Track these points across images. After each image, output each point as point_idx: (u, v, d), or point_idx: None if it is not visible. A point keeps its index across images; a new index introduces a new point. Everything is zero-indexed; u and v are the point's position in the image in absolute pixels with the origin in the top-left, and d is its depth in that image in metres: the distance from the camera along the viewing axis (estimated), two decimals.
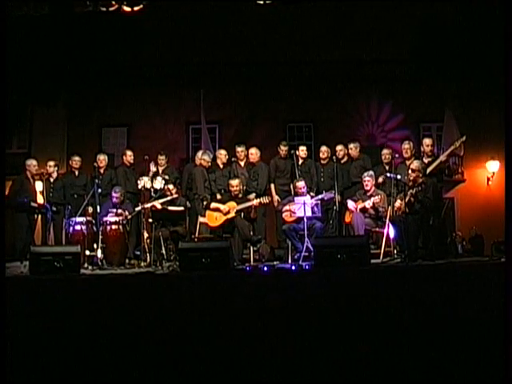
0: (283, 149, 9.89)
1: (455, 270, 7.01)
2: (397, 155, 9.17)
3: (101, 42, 11.86)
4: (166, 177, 9.61)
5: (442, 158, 8.57)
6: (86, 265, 8.33)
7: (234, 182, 8.90)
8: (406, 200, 7.66)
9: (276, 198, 9.62)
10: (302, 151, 9.81)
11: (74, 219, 8.91)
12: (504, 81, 4.60)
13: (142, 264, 8.60)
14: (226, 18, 11.94)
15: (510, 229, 4.51)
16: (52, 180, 9.90)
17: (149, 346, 5.42)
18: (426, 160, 8.59)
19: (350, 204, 8.68)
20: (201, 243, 8.25)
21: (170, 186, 9.12)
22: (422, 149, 8.99)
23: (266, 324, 5.53)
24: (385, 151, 9.62)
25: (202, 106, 13.18)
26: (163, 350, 5.35)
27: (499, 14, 10.64)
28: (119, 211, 8.94)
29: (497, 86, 13.74)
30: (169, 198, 8.97)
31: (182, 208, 9.02)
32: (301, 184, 8.80)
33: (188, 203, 9.61)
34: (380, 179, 8.98)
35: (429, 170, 8.23)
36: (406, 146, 9.08)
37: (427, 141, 9.01)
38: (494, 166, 14.90)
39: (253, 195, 9.32)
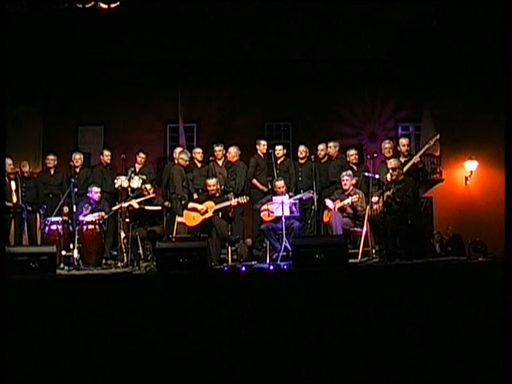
0: (262, 143, 9.92)
1: (433, 269, 7.07)
2: (375, 154, 9.24)
3: (77, 40, 11.79)
4: (144, 176, 9.60)
5: (415, 159, 8.61)
6: (61, 265, 8.28)
7: (212, 182, 8.91)
8: (384, 200, 7.71)
9: (265, 189, 9.64)
10: (280, 150, 9.84)
11: (49, 219, 8.86)
12: (504, 81, 4.69)
13: (119, 264, 8.58)
14: (205, 16, 11.93)
15: (510, 230, 4.59)
16: (25, 179, 9.81)
17: (126, 346, 5.41)
18: (402, 160, 8.64)
19: (328, 203, 8.71)
20: (178, 243, 8.25)
21: (147, 186, 9.11)
22: (398, 148, 9.05)
23: (245, 324, 5.56)
24: (351, 151, 9.60)
25: (179, 104, 13.17)
26: (140, 350, 5.35)
27: (482, 14, 10.83)
28: (95, 214, 8.90)
29: (475, 86, 14.00)
30: (146, 197, 8.96)
31: (159, 208, 9.03)
32: (280, 183, 8.82)
33: (167, 203, 9.62)
34: (353, 180, 9.03)
35: (404, 170, 8.28)
36: (387, 145, 9.13)
37: (403, 140, 9.06)
38: (471, 166, 15.08)
39: (231, 195, 9.34)
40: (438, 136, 9.07)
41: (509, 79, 4.71)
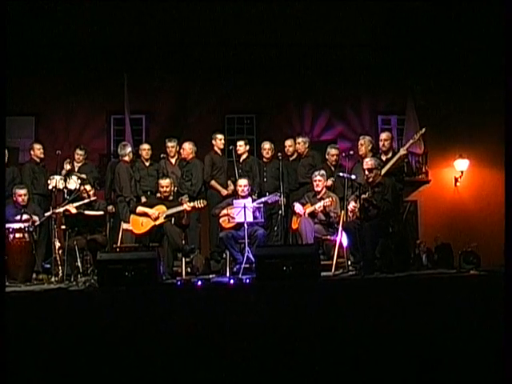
0: (219, 138, 9.94)
1: (418, 284, 7.15)
2: (351, 152, 9.32)
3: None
4: (83, 176, 9.54)
5: (402, 152, 8.58)
6: None
7: (165, 182, 8.89)
8: (359, 205, 7.75)
9: (225, 191, 9.67)
10: (241, 146, 9.87)
11: None
12: (504, 80, 4.86)
13: (53, 279, 8.49)
14: None
15: (510, 236, 4.71)
16: None
17: (58, 377, 5.37)
18: (383, 157, 8.66)
19: (297, 208, 8.75)
20: (123, 254, 8.22)
21: (87, 187, 9.04)
22: (380, 144, 9.06)
23: (199, 347, 5.58)
24: (333, 151, 9.62)
25: (125, 92, 13.11)
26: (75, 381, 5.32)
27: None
28: (25, 216, 8.81)
29: (465, 73, 14.25)
30: (86, 200, 8.90)
31: (101, 212, 8.97)
32: (243, 182, 8.82)
33: (111, 207, 9.57)
34: (329, 182, 9.08)
35: (386, 169, 8.29)
36: (362, 141, 9.17)
37: (383, 135, 9.03)
38: (462, 165, 15.31)
39: (185, 197, 9.34)
40: (424, 130, 9.12)
41: (509, 77, 4.87)
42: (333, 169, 9.42)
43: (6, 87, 5.49)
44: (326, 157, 9.62)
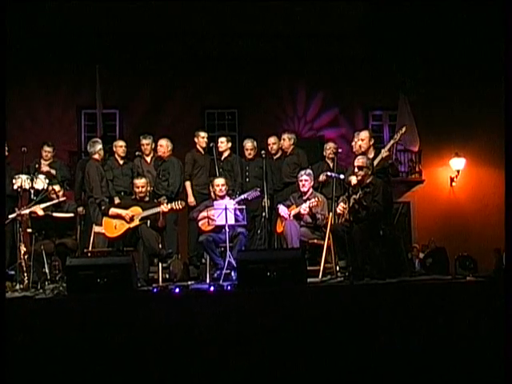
0: (201, 136, 9.91)
1: (410, 290, 7.16)
2: (340, 150, 9.32)
3: None
4: (52, 171, 9.50)
5: (384, 153, 8.43)
6: None
7: (140, 182, 8.84)
8: (349, 206, 7.75)
9: (192, 199, 9.62)
10: (223, 143, 9.85)
11: None
12: (504, 79, 4.94)
13: (18, 287, 8.43)
14: None
15: (511, 237, 4.77)
16: None
17: None
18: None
19: (282, 210, 8.73)
20: (95, 259, 8.18)
21: (56, 187, 9.00)
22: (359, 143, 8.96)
23: (176, 357, 5.57)
24: (330, 145, 9.74)
25: (97, 85, 13.06)
26: None
27: None
28: None
29: (462, 72, 14.33)
30: (54, 201, 8.86)
31: (71, 214, 8.92)
32: (220, 181, 8.79)
33: (81, 208, 9.53)
34: (322, 177, 9.07)
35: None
36: (356, 138, 9.10)
37: (362, 134, 8.81)
38: (458, 164, 15.39)
39: (163, 199, 9.32)
40: (404, 129, 8.93)
41: (509, 75, 4.95)
42: (331, 164, 9.44)
43: (5, 87, 5.50)
44: (324, 153, 9.72)
